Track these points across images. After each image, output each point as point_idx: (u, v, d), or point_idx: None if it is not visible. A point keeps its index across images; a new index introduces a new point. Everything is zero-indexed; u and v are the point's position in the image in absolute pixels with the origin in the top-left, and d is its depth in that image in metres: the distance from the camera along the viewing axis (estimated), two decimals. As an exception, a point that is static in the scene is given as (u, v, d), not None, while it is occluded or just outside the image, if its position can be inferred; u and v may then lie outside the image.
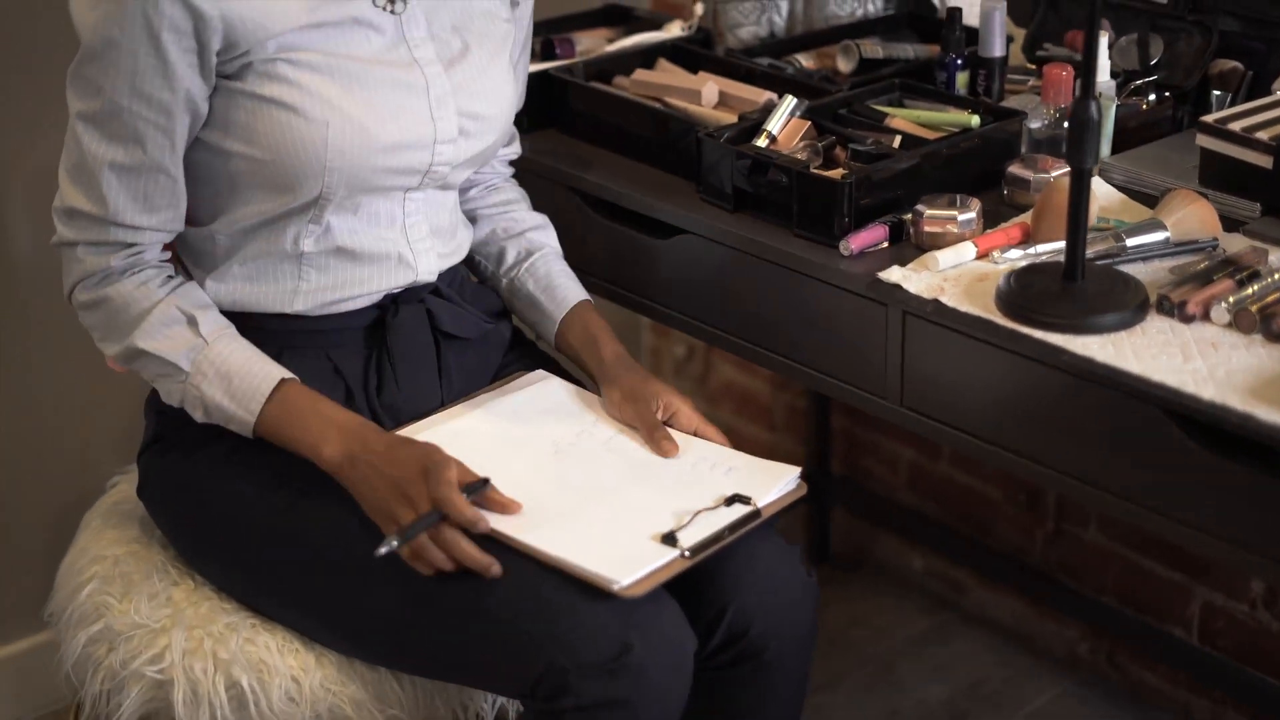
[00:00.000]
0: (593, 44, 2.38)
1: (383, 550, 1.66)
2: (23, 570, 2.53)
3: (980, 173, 2.00)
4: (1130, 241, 1.82)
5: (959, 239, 1.86)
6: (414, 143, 1.81)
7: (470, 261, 2.05)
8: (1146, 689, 2.69)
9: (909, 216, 1.89)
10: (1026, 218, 1.91)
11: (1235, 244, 1.84)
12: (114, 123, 1.73)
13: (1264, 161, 1.88)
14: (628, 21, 2.48)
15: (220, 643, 1.80)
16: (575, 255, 2.08)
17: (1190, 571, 2.59)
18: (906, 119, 2.07)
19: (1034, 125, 2.03)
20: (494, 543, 1.70)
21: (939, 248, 1.85)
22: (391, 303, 1.89)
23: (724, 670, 1.80)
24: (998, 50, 2.15)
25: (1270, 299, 1.70)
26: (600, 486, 1.78)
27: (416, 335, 1.89)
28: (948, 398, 1.80)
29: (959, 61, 2.17)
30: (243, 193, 1.80)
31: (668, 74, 2.25)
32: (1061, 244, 1.77)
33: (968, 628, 2.88)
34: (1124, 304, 1.71)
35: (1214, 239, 1.84)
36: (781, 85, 2.16)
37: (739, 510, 1.74)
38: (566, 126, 2.24)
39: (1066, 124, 2.00)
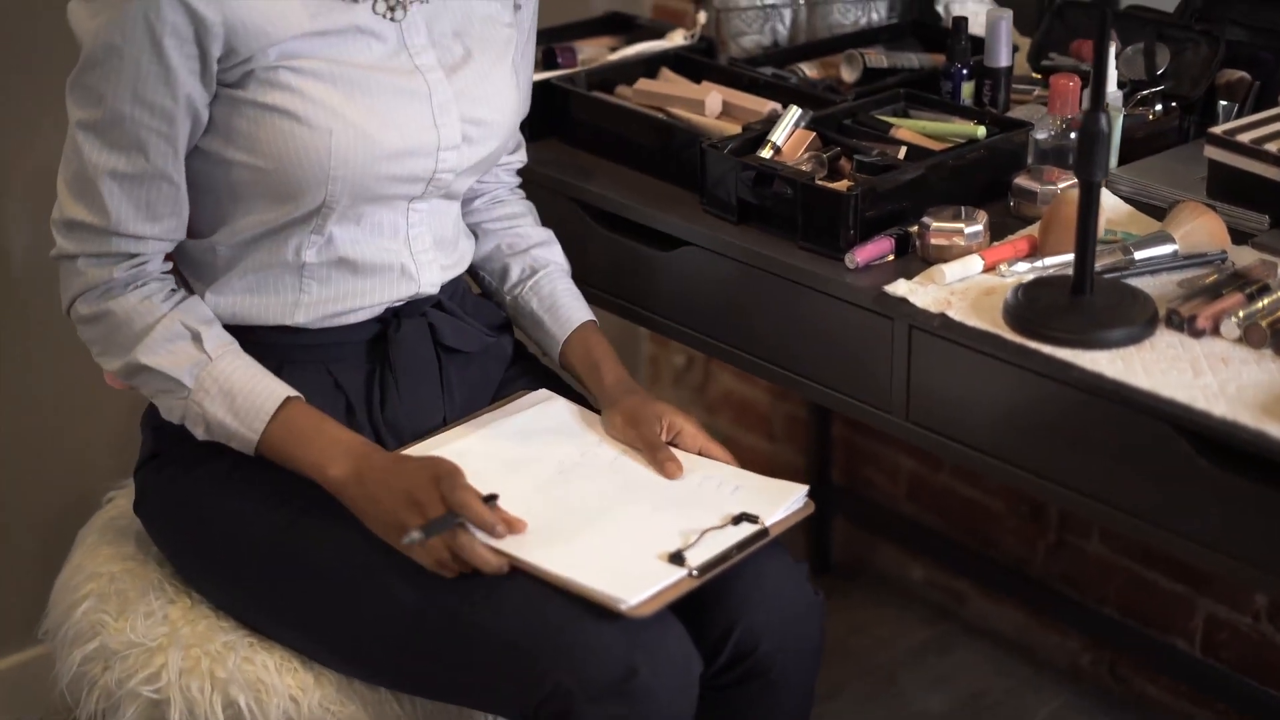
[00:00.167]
0: (595, 53, 2.36)
1: (406, 541, 1.64)
2: (15, 583, 2.51)
3: (986, 184, 1.98)
4: (1138, 255, 1.80)
5: (966, 252, 1.84)
6: (417, 149, 1.79)
7: (475, 276, 2.04)
8: (1149, 701, 2.68)
9: (915, 229, 1.87)
10: (1033, 230, 1.89)
11: (1244, 257, 1.83)
12: (116, 131, 1.71)
13: (1273, 174, 1.87)
14: (630, 30, 2.46)
15: (217, 661, 1.78)
16: (577, 267, 2.06)
17: (1193, 583, 2.57)
18: (912, 130, 2.05)
19: (1040, 136, 2.02)
20: None
21: (945, 260, 1.83)
22: (393, 316, 1.87)
23: (730, 689, 1.78)
24: (1003, 60, 2.13)
25: (1281, 313, 1.69)
26: (605, 506, 1.76)
27: (418, 349, 1.88)
28: (954, 413, 1.78)
29: (964, 71, 2.15)
30: (245, 203, 1.78)
31: (671, 84, 2.23)
32: (1069, 257, 1.75)
33: (969, 639, 2.86)
34: (1133, 318, 1.69)
35: (1223, 252, 1.82)
36: (785, 95, 2.15)
37: (746, 529, 1.72)
38: (568, 136, 2.22)
39: (1073, 135, 2.00)
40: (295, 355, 1.84)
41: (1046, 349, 1.68)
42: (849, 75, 2.27)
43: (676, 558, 1.67)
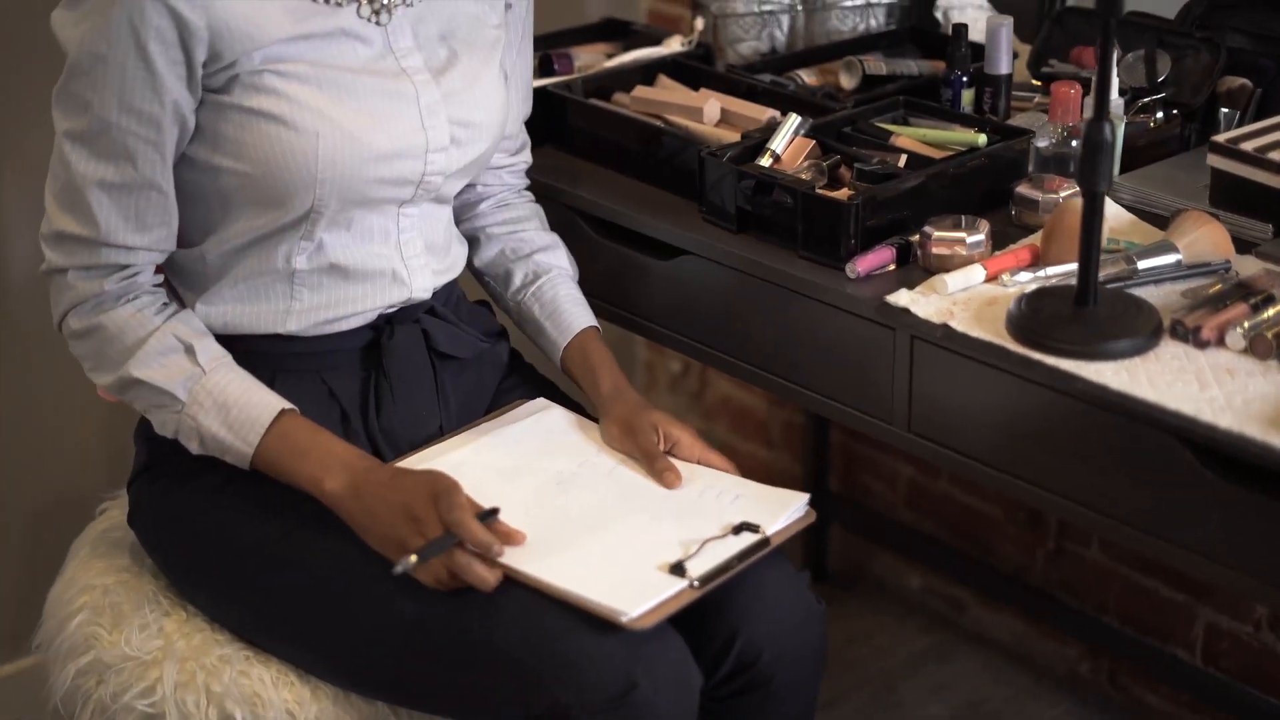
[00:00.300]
0: (591, 59, 2.34)
1: (399, 569, 1.62)
2: (7, 592, 2.49)
3: (987, 192, 1.97)
4: (1142, 264, 1.79)
5: (967, 261, 1.82)
6: (405, 152, 1.78)
7: (479, 282, 2.03)
8: (1149, 710, 2.67)
9: (916, 238, 1.86)
10: (1035, 239, 1.88)
11: (1248, 266, 1.81)
12: (103, 139, 1.70)
13: (1276, 182, 1.85)
14: (626, 36, 2.44)
15: (213, 675, 1.76)
16: (575, 277, 2.05)
17: (1193, 592, 2.56)
18: (912, 137, 2.03)
19: (1041, 144, 2.00)
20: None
21: (947, 270, 1.82)
22: (386, 323, 1.86)
23: (732, 699, 1.77)
24: (1004, 67, 2.12)
25: (1286, 324, 1.68)
26: (605, 517, 1.75)
27: (412, 356, 1.86)
28: (957, 424, 1.77)
29: (964, 79, 2.14)
30: (233, 210, 1.77)
31: (669, 91, 2.21)
32: (1072, 266, 1.74)
33: (967, 647, 2.85)
34: (1137, 329, 1.68)
35: (1226, 261, 1.81)
36: (784, 102, 2.13)
37: (748, 539, 1.71)
38: (565, 144, 2.20)
39: (1074, 143, 1.99)
40: (288, 364, 1.82)
41: (1051, 360, 1.66)
42: (848, 82, 2.25)
43: (677, 568, 1.66)
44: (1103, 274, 1.74)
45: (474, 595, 1.66)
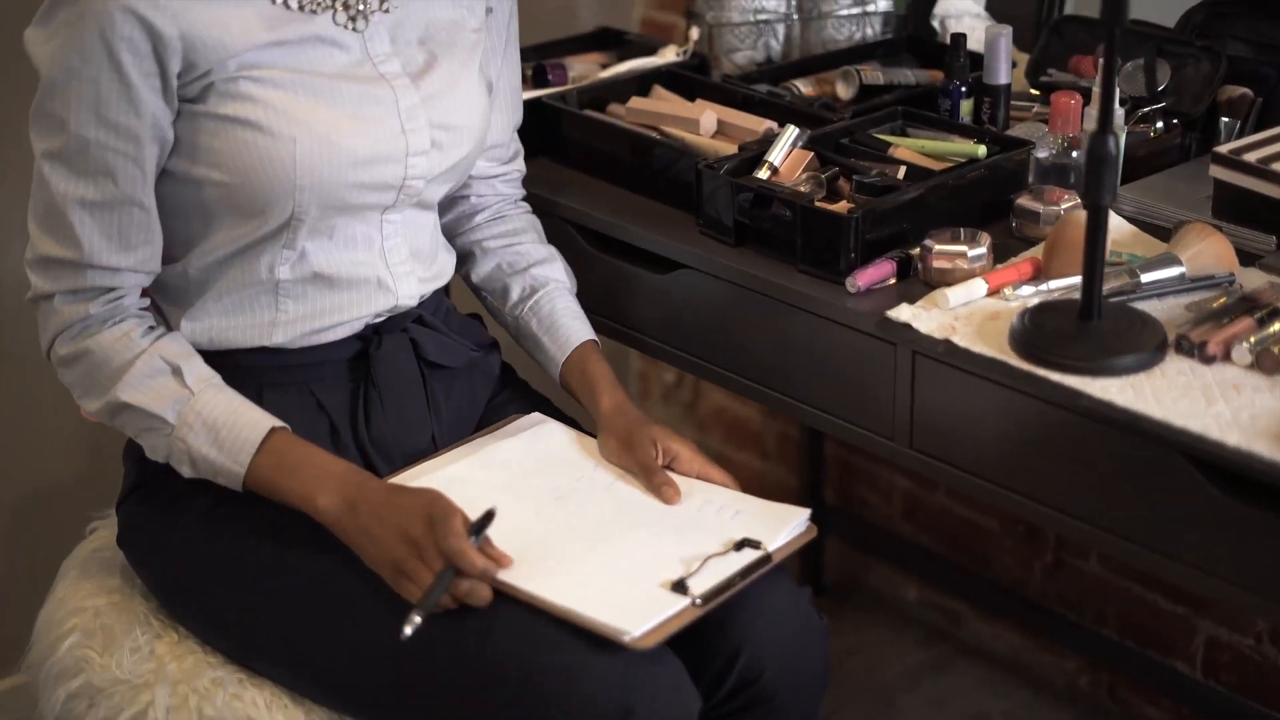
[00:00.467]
0: (585, 69, 2.32)
1: (409, 630, 1.59)
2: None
3: (986, 204, 1.95)
4: (1145, 277, 1.77)
5: (969, 275, 1.80)
6: (385, 156, 1.76)
7: (478, 297, 2.01)
8: (1148, 723, 2.66)
9: (917, 251, 1.84)
10: (1037, 252, 1.86)
11: (1252, 279, 1.79)
12: (82, 157, 1.68)
13: (1280, 194, 1.84)
14: (621, 45, 2.43)
15: (205, 699, 1.74)
16: (570, 290, 2.02)
17: (1193, 604, 2.54)
18: (911, 149, 2.01)
19: (1041, 155, 1.98)
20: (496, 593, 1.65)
21: (948, 284, 1.80)
22: (374, 333, 1.83)
23: (734, 716, 1.75)
24: (1003, 77, 2.10)
25: (1292, 338, 1.66)
26: (604, 533, 1.73)
27: (401, 365, 1.84)
28: (960, 440, 1.74)
29: (963, 89, 2.12)
30: (213, 221, 1.75)
31: (664, 101, 2.19)
32: (1075, 280, 1.72)
33: (965, 660, 2.83)
34: (1142, 344, 1.66)
35: (1230, 274, 1.79)
36: (780, 113, 2.11)
37: (749, 555, 1.69)
38: (560, 155, 2.18)
39: (1075, 154, 1.97)
40: (275, 377, 1.80)
41: (1055, 376, 1.64)
42: (845, 92, 2.23)
43: (679, 586, 1.64)
44: (1106, 287, 1.72)
45: (468, 621, 1.64)
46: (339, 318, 1.81)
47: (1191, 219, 1.87)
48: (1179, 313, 1.74)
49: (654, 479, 1.79)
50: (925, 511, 2.88)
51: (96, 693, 1.78)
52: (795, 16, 2.38)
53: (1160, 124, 2.07)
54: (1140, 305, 1.75)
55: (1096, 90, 2.00)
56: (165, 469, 1.77)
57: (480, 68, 1.89)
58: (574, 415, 1.96)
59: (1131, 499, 1.63)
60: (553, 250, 2.01)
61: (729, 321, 1.94)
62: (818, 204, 1.88)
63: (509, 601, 1.64)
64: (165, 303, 1.81)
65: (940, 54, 2.24)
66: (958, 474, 1.76)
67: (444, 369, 1.88)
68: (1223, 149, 1.89)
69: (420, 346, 1.85)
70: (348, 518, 1.68)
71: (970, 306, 1.78)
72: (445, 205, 1.98)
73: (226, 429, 1.71)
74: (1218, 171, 1.89)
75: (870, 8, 2.38)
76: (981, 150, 1.99)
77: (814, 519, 1.78)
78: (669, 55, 2.32)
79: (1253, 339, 1.65)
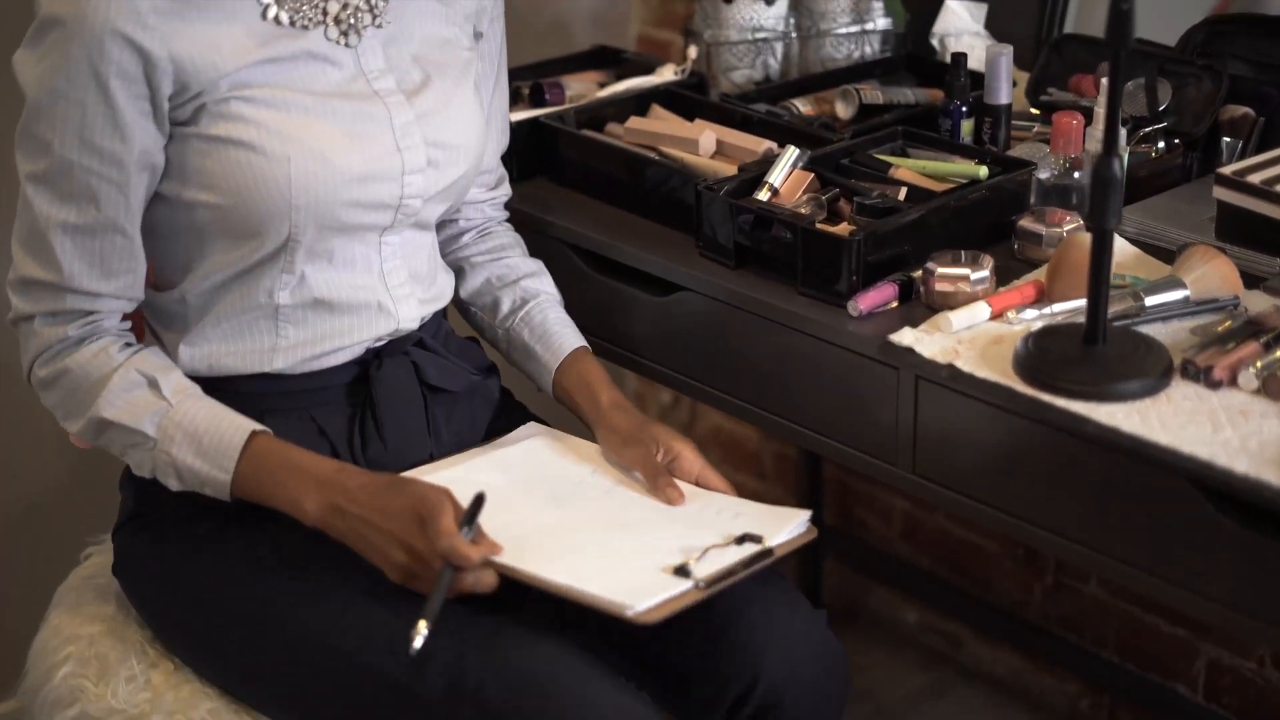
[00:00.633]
0: (583, 88, 2.31)
1: (417, 644, 1.57)
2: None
3: (988, 225, 1.93)
4: (1149, 301, 1.75)
5: (972, 298, 1.79)
6: (381, 174, 1.74)
7: (465, 313, 2.00)
8: (1149, 746, 2.64)
9: (919, 274, 1.82)
10: (1040, 274, 1.84)
11: (1257, 302, 1.78)
12: (65, 180, 1.66)
13: (1285, 216, 1.82)
14: (618, 64, 2.41)
15: (202, 729, 1.72)
16: (567, 311, 1.99)
17: (1194, 627, 2.52)
18: (911, 169, 2.00)
19: (1043, 175, 1.97)
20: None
21: (951, 307, 1.78)
22: (374, 357, 1.81)
23: None
24: (1004, 97, 2.09)
25: (1299, 363, 1.64)
26: (606, 526, 1.72)
27: (402, 388, 1.82)
28: (963, 466, 1.73)
29: (964, 109, 2.11)
30: (209, 245, 1.73)
31: (663, 121, 2.17)
32: (1079, 303, 1.71)
33: (965, 683, 2.82)
34: (1147, 370, 1.64)
35: (1235, 297, 1.77)
36: (780, 133, 2.09)
37: (751, 548, 1.67)
38: (558, 176, 2.17)
39: (1077, 174, 1.95)
40: (276, 403, 1.78)
41: (1061, 402, 1.62)
42: (844, 112, 2.22)
43: (681, 570, 1.62)
44: (1110, 311, 1.71)
45: (469, 665, 1.63)
46: (340, 342, 1.79)
47: (1195, 241, 1.85)
48: (1184, 336, 1.73)
49: (657, 480, 1.77)
50: (924, 533, 2.87)
51: (91, 722, 1.76)
52: (794, 35, 2.36)
53: (1161, 144, 2.05)
54: (1144, 328, 1.73)
55: (1099, 111, 1.99)
56: (163, 499, 1.76)
57: (475, 87, 1.87)
58: (575, 433, 1.94)
59: (1137, 525, 1.61)
60: (540, 264, 2.00)
61: (729, 344, 1.93)
62: (819, 226, 1.87)
63: (502, 642, 1.63)
64: (163, 329, 1.80)
65: (939, 72, 2.23)
66: (961, 500, 1.74)
67: (445, 393, 1.86)
68: (1226, 170, 1.88)
69: (421, 370, 1.84)
70: (335, 520, 1.66)
71: (973, 330, 1.76)
72: (435, 227, 1.97)
73: (208, 437, 1.70)
74: (1221, 193, 1.88)
75: (869, 26, 2.37)
76: (983, 171, 1.98)
77: (812, 541, 1.77)
78: (667, 74, 2.30)
79: (1259, 364, 1.63)
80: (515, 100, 2.28)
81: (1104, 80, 2.00)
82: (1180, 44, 2.15)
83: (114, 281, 1.71)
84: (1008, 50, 2.09)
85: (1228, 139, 2.06)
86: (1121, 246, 1.90)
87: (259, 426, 1.72)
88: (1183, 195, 2.01)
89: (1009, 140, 2.11)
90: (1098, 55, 2.15)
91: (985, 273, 1.80)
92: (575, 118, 2.18)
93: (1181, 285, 1.77)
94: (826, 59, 2.36)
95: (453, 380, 1.87)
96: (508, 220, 2.04)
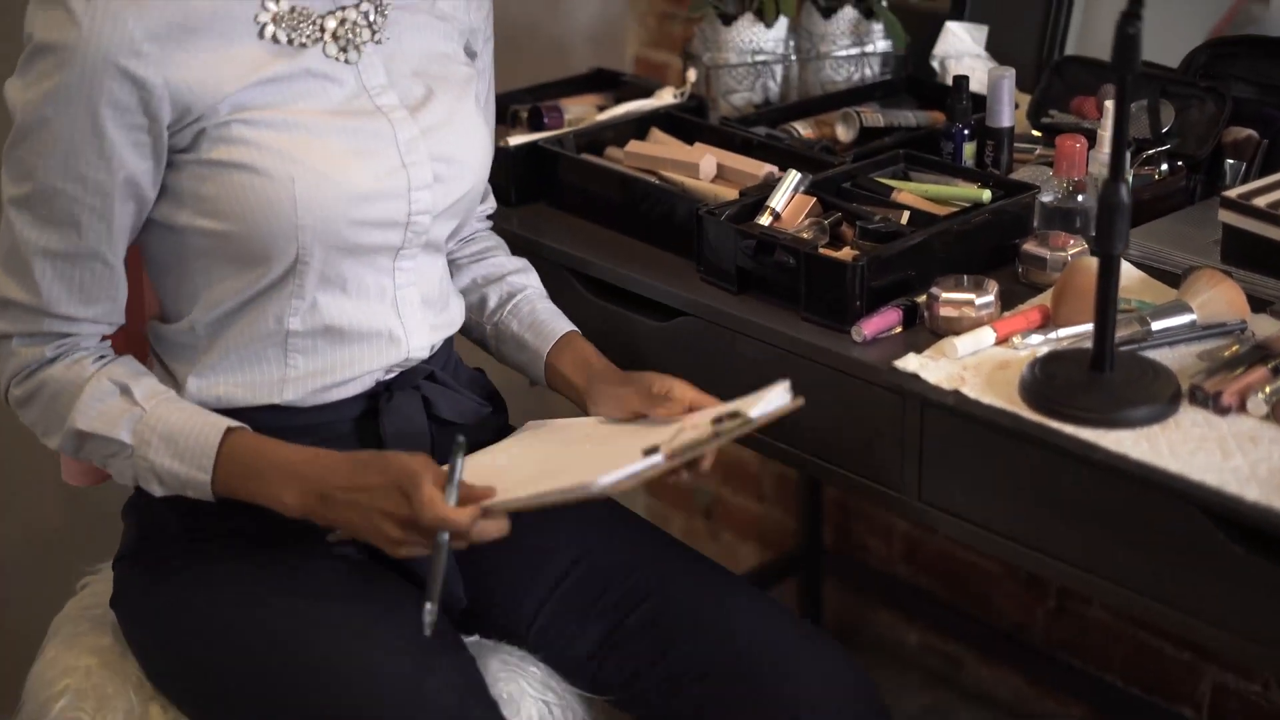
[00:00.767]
0: (581, 112, 2.29)
1: (429, 628, 1.57)
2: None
3: (991, 249, 1.92)
4: (1156, 325, 1.74)
5: (977, 323, 1.77)
6: (388, 192, 1.72)
7: None
8: (1154, 770, 2.62)
9: (923, 299, 1.81)
10: (1045, 299, 1.83)
11: (1264, 326, 1.76)
12: (47, 207, 1.65)
13: (1291, 239, 1.81)
14: (616, 87, 2.40)
15: (201, 763, 1.70)
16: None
17: (1199, 651, 2.51)
18: (914, 193, 1.98)
19: (1046, 199, 1.96)
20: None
21: (956, 332, 1.76)
22: (384, 390, 1.79)
23: None
24: (1006, 120, 2.08)
25: (1308, 389, 1.63)
26: (594, 446, 1.72)
27: (411, 422, 1.80)
28: (970, 493, 1.71)
29: (966, 131, 2.09)
30: (216, 272, 1.71)
31: (663, 145, 2.16)
32: (1086, 328, 1.69)
33: (967, 706, 2.81)
34: (1155, 396, 1.63)
35: (1242, 321, 1.76)
36: (780, 156, 2.08)
37: (728, 425, 1.65)
38: (556, 200, 2.15)
39: (1080, 197, 1.94)
40: (286, 437, 1.75)
41: (1069, 429, 1.61)
42: (845, 135, 2.20)
43: (651, 450, 1.60)
44: (1116, 336, 1.69)
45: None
46: (350, 373, 1.77)
47: (1200, 264, 1.84)
48: (1190, 361, 1.71)
49: (653, 406, 1.75)
50: (925, 554, 2.85)
51: (89, 757, 1.74)
52: (793, 57, 2.35)
53: (1165, 166, 2.04)
54: (1151, 353, 1.72)
55: (1102, 133, 1.98)
56: (164, 535, 1.74)
57: (476, 101, 1.86)
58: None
59: (1145, 552, 1.60)
60: (525, 262, 1.99)
61: (731, 370, 1.91)
62: (821, 250, 1.85)
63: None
64: (172, 361, 1.78)
65: (939, 94, 2.22)
66: (967, 527, 1.72)
67: (453, 426, 1.84)
68: (1231, 193, 1.86)
69: (432, 404, 1.82)
70: (320, 507, 1.65)
71: (979, 356, 1.74)
72: None
73: (184, 438, 1.68)
74: (1226, 216, 1.86)
75: (869, 48, 2.35)
76: (986, 194, 1.96)
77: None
78: (666, 97, 2.29)
79: (1268, 389, 1.62)
80: (514, 124, 2.27)
81: (1107, 103, 1.99)
82: (1183, 65, 2.14)
83: (93, 308, 1.70)
84: (1010, 73, 2.08)
85: (1231, 161, 2.05)
86: (1126, 270, 1.89)
87: (234, 423, 1.70)
88: (1187, 218, 2.00)
89: (1011, 163, 2.10)
90: (1099, 77, 2.14)
91: (990, 298, 1.78)
92: (574, 142, 2.17)
93: (1188, 309, 1.76)
94: (826, 81, 2.35)
95: (463, 413, 1.85)
96: (490, 229, 2.04)
